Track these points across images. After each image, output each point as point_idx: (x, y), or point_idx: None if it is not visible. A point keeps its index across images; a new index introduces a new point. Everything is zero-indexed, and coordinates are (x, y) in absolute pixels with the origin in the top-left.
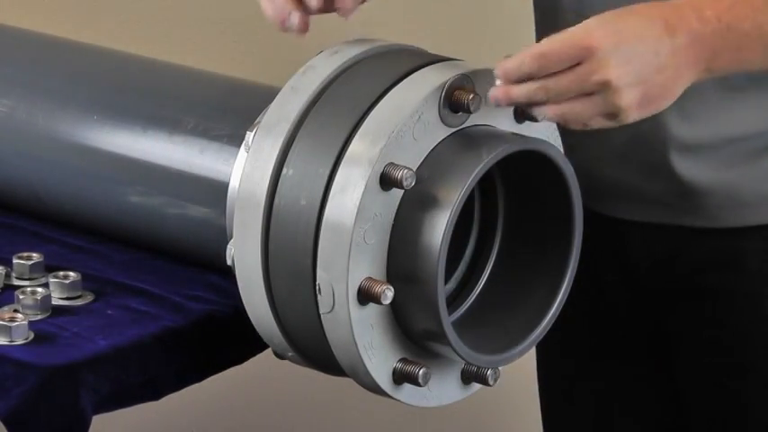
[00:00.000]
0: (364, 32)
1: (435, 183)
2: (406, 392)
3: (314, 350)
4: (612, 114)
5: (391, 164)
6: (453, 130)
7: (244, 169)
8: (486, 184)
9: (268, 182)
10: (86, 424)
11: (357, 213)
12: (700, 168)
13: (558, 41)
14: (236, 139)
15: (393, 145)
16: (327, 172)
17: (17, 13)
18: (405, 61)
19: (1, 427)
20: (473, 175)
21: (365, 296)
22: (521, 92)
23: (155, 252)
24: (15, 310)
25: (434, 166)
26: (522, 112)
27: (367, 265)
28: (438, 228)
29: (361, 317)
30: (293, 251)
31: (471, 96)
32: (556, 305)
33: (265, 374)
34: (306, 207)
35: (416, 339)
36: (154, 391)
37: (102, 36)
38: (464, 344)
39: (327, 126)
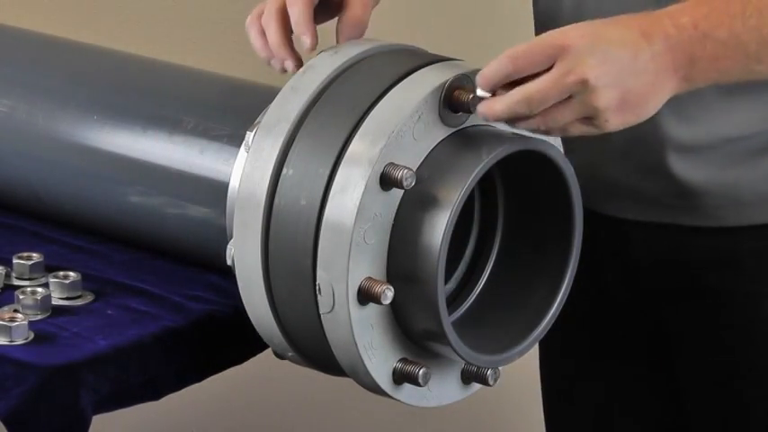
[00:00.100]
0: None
1: (435, 183)
2: (406, 392)
3: (314, 350)
4: (590, 118)
5: (391, 164)
6: (453, 129)
7: (244, 169)
8: (486, 184)
9: (268, 182)
10: (86, 424)
11: (357, 213)
12: (698, 168)
13: (533, 42)
14: (236, 139)
15: (393, 145)
16: (327, 172)
17: (17, 13)
18: (405, 61)
19: (1, 427)
20: (473, 175)
21: (365, 296)
22: (503, 106)
23: (155, 252)
24: (15, 310)
25: (434, 166)
26: None
27: (367, 265)
28: (438, 228)
29: (361, 317)
30: (293, 251)
31: (471, 96)
32: (556, 305)
33: (265, 374)
34: (306, 207)
35: (416, 339)
36: (154, 391)
37: (102, 36)
38: (464, 344)
39: (327, 126)
